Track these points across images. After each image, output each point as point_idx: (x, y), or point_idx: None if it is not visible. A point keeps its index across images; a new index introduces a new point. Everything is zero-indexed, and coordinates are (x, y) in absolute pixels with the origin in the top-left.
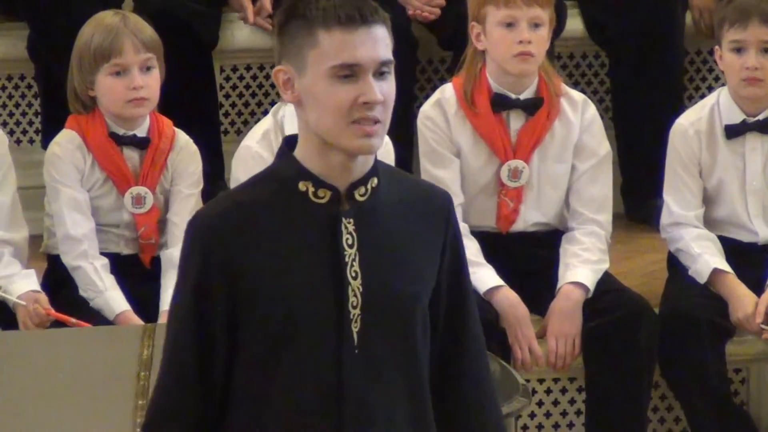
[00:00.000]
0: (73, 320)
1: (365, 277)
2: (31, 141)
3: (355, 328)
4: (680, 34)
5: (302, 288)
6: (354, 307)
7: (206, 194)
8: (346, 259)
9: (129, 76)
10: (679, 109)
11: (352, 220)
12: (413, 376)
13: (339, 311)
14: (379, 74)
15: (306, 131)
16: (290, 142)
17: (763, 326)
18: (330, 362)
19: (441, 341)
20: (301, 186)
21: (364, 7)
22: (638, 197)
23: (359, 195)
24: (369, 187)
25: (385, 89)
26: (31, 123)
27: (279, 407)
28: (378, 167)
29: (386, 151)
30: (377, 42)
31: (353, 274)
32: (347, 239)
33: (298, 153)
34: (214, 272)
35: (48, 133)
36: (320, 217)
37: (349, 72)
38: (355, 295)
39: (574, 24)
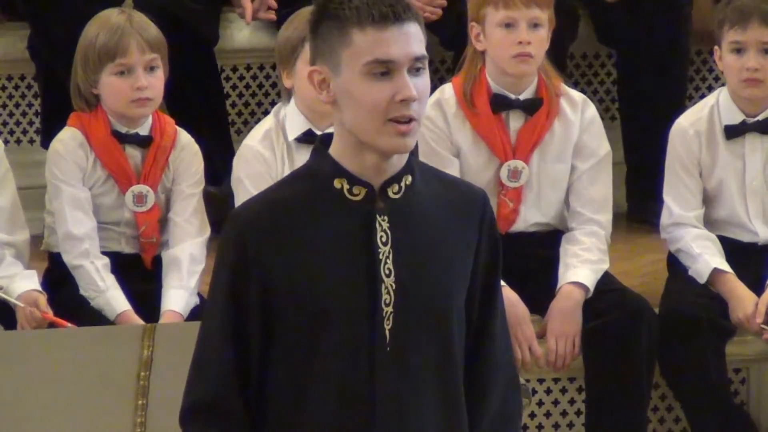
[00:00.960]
0: (69, 325)
1: (398, 275)
2: (31, 141)
3: (388, 325)
4: (688, 35)
5: (335, 284)
6: (387, 305)
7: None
8: (380, 257)
9: (133, 76)
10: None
11: (386, 218)
12: (446, 375)
13: (371, 308)
14: (414, 70)
15: (341, 130)
16: (325, 140)
17: (763, 326)
18: (362, 359)
19: (471, 342)
20: (336, 183)
21: (397, 5)
22: (643, 198)
23: (393, 193)
24: (403, 184)
25: (420, 85)
26: (31, 123)
27: (313, 404)
28: (413, 165)
29: None
30: (410, 38)
31: (386, 272)
32: (381, 237)
33: (333, 151)
34: (249, 269)
35: (48, 132)
36: (355, 215)
37: (384, 69)
38: (388, 293)
39: (584, 24)
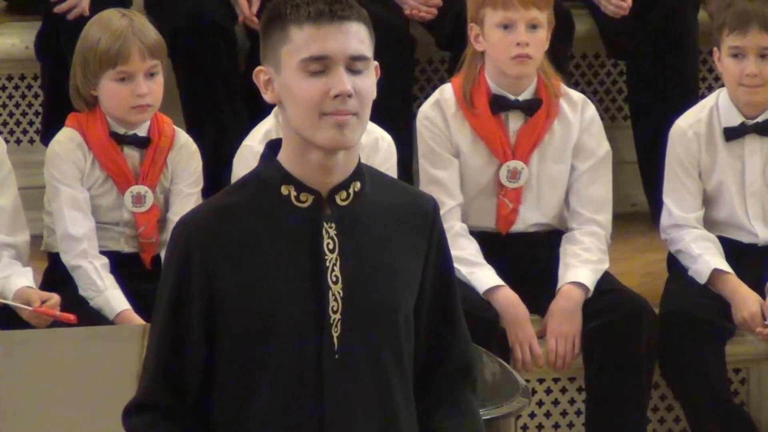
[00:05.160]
0: (58, 313)
1: (346, 282)
2: (31, 141)
3: (336, 332)
4: (694, 36)
5: (281, 291)
6: (334, 312)
7: None
8: (327, 264)
9: (134, 82)
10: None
11: (334, 225)
12: (395, 381)
13: (319, 315)
14: (353, 71)
15: (288, 132)
16: (273, 146)
17: None
18: (310, 367)
19: (425, 349)
20: (284, 190)
21: (336, 3)
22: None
23: (341, 200)
24: (351, 191)
25: (359, 84)
26: (31, 123)
27: (260, 411)
28: (363, 171)
29: (389, 152)
30: (349, 36)
31: (334, 279)
32: (328, 244)
33: (282, 156)
34: (194, 276)
35: (50, 130)
36: (302, 222)
37: (320, 66)
38: (336, 300)
39: (584, 24)
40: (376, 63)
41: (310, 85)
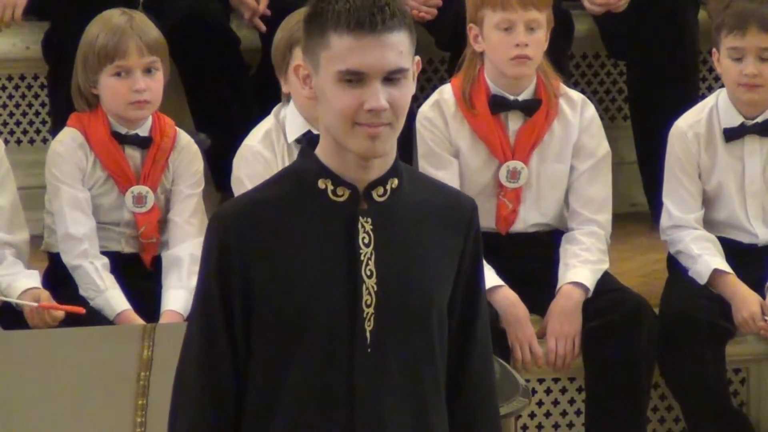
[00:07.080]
0: (63, 307)
1: (380, 277)
2: (32, 141)
3: (369, 327)
4: (694, 36)
5: (315, 284)
6: (368, 306)
7: None
8: (362, 258)
9: (132, 78)
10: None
11: (369, 220)
12: (426, 378)
13: (352, 309)
14: (390, 80)
15: (324, 129)
16: (312, 140)
17: None
18: (342, 360)
19: (453, 348)
20: (321, 184)
21: (378, 13)
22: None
23: (377, 195)
24: (388, 187)
25: (396, 95)
26: (31, 123)
27: (290, 404)
28: (401, 169)
29: None
30: (387, 49)
31: (368, 273)
32: (364, 238)
33: (319, 151)
34: (232, 268)
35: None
36: (338, 216)
37: (355, 78)
38: (369, 294)
39: (584, 24)
40: (417, 58)
41: (346, 95)
